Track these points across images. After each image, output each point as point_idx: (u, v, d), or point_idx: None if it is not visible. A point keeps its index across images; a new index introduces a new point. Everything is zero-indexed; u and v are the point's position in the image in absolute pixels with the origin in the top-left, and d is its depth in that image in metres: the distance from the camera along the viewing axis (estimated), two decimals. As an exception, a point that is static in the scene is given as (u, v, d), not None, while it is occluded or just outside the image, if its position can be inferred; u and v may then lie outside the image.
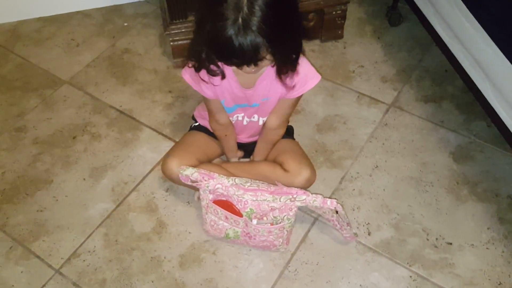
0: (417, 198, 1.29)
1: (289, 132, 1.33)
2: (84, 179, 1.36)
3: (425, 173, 1.35)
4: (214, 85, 1.09)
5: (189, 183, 1.13)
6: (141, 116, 1.50)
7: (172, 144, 1.42)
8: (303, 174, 1.19)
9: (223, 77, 1.06)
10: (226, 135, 1.24)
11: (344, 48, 1.67)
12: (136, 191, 1.34)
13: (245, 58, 0.91)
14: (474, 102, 1.48)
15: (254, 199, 1.09)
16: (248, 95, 1.14)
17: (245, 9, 0.86)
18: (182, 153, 1.24)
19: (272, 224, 1.11)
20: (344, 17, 1.63)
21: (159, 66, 1.63)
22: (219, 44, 0.90)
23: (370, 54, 1.65)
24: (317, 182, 1.28)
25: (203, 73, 1.05)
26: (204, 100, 1.19)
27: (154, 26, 1.76)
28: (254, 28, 0.87)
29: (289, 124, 1.35)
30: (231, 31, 0.87)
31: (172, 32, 1.51)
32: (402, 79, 1.57)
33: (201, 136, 1.31)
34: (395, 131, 1.44)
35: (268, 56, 0.93)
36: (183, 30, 1.51)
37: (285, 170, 1.21)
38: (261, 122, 1.23)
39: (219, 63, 1.02)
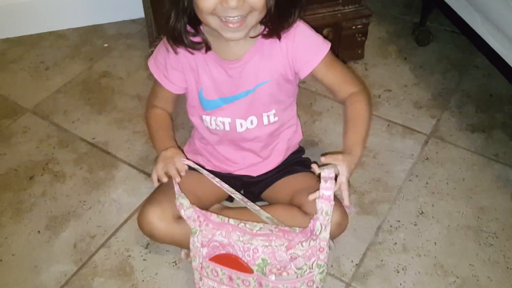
0: (479, 255, 0.97)
1: (305, 165, 1.02)
2: (38, 231, 1.04)
3: (485, 221, 1.03)
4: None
5: (183, 215, 0.85)
6: (118, 150, 1.20)
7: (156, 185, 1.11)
8: (333, 217, 0.87)
9: (207, 47, 0.82)
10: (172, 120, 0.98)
11: (366, 70, 1.40)
12: (105, 247, 1.01)
13: None
14: (533, 131, 1.21)
15: (267, 244, 0.81)
16: (233, 73, 0.86)
17: None
18: (166, 201, 0.91)
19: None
20: (365, 34, 1.37)
21: (143, 92, 1.34)
22: None
23: (397, 77, 1.37)
24: (346, 234, 0.96)
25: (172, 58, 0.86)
26: (155, 86, 0.95)
27: (139, 47, 1.49)
28: None
29: (305, 156, 1.06)
30: None
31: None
32: (440, 105, 1.28)
33: (192, 177, 0.96)
34: (440, 167, 1.14)
35: None
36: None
37: (305, 213, 0.89)
38: (268, 128, 0.93)
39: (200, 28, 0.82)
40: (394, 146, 1.19)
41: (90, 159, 1.18)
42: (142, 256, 0.99)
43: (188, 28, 0.82)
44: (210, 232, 0.83)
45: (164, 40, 0.87)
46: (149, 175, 1.14)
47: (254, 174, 1.00)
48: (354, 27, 1.34)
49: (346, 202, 0.81)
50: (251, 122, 0.92)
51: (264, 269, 0.81)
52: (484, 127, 1.23)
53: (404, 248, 0.99)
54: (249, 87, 0.87)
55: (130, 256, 0.99)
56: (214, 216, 0.85)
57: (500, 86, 1.32)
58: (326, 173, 0.77)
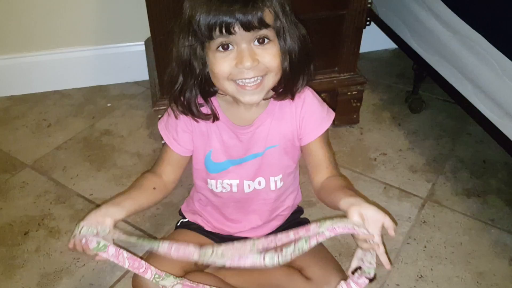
0: (481, 322, 0.96)
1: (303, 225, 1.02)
2: (29, 289, 1.01)
3: (485, 286, 1.02)
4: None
5: None
6: (115, 207, 1.19)
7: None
8: (332, 282, 0.86)
9: (215, 118, 0.82)
10: (154, 188, 0.86)
11: (361, 134, 1.43)
12: (98, 306, 0.98)
13: (248, 9, 0.69)
14: (527, 197, 1.22)
15: None
16: (244, 139, 0.85)
17: None
18: (163, 260, 0.87)
19: None
20: (360, 99, 1.43)
21: (144, 149, 1.36)
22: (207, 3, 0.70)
23: (392, 141, 1.41)
24: (345, 297, 0.94)
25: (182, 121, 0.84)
26: (162, 151, 0.91)
27: (141, 108, 1.53)
28: None
29: (303, 216, 1.05)
30: None
31: (162, 108, 1.27)
32: (435, 170, 1.31)
33: (190, 236, 0.96)
34: (437, 231, 1.14)
35: (273, 43, 0.74)
36: (175, 106, 1.27)
37: (306, 277, 0.88)
38: (273, 190, 0.91)
39: (210, 100, 0.81)
40: (391, 208, 1.19)
41: (86, 215, 1.17)
42: (135, 316, 0.96)
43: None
44: None
45: (169, 111, 0.87)
46: (145, 232, 1.13)
47: (255, 236, 0.99)
48: (349, 93, 1.39)
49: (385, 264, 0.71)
50: (259, 183, 0.90)
51: None
52: (479, 193, 1.25)
53: (404, 314, 0.97)
54: (258, 150, 0.87)
55: (122, 316, 0.96)
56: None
57: (493, 152, 1.35)
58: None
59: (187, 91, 0.79)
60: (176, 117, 0.85)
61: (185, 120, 0.86)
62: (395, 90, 1.62)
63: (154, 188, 0.86)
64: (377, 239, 0.69)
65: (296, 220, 1.03)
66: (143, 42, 1.56)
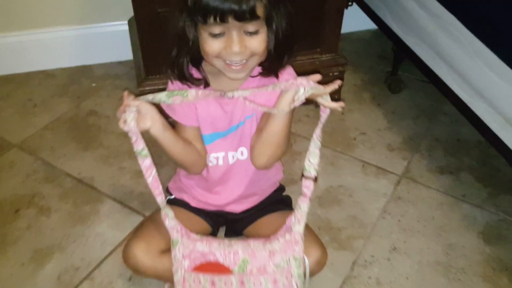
0: (449, 289, 1.03)
1: (287, 203, 1.07)
2: (22, 264, 1.05)
3: (454, 257, 1.09)
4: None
5: (167, 225, 0.87)
6: (103, 186, 1.23)
7: (141, 219, 1.14)
8: (313, 254, 0.91)
9: (206, 84, 0.87)
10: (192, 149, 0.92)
11: (342, 114, 1.48)
12: (89, 279, 1.02)
13: (243, 5, 0.74)
14: (496, 173, 1.29)
15: (246, 245, 0.86)
16: (228, 109, 0.91)
17: None
18: (151, 235, 0.94)
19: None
20: (341, 80, 1.46)
21: (130, 130, 1.39)
22: None
23: (371, 121, 1.46)
24: (324, 268, 1.00)
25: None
26: (179, 129, 0.94)
27: (126, 88, 1.55)
28: None
29: (285, 193, 1.11)
30: None
31: (147, 88, 1.30)
32: (411, 148, 1.37)
33: (177, 213, 0.96)
34: (411, 206, 1.20)
35: (262, 32, 0.79)
36: (160, 86, 1.30)
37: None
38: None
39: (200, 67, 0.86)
40: (368, 185, 1.25)
41: (75, 194, 1.21)
42: (125, 289, 1.01)
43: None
44: (191, 243, 0.86)
45: (169, 85, 0.92)
46: (133, 209, 1.18)
47: (238, 210, 1.04)
48: (331, 74, 1.43)
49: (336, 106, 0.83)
50: (242, 153, 0.96)
51: (245, 269, 0.85)
52: (452, 169, 1.31)
53: (377, 282, 1.04)
54: (239, 120, 0.92)
55: (113, 288, 1.01)
56: (194, 235, 0.88)
57: (467, 131, 1.41)
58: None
59: (180, 58, 0.85)
60: (172, 83, 0.90)
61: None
62: (376, 70, 1.67)
63: (189, 144, 0.91)
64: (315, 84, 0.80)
65: (278, 197, 1.08)
66: (127, 22, 1.57)
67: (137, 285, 1.02)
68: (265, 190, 1.05)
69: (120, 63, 1.66)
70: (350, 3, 1.66)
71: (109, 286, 1.02)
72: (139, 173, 1.25)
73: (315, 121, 0.86)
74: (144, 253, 0.92)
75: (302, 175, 0.86)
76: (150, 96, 0.78)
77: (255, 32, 0.79)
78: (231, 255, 0.85)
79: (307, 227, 1.01)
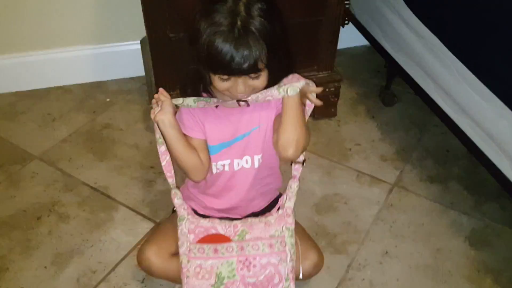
0: (435, 290, 1.12)
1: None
2: (45, 267, 1.15)
3: (441, 261, 1.18)
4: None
5: (176, 203, 1.01)
6: (117, 194, 1.33)
7: (152, 225, 1.25)
8: (310, 258, 1.02)
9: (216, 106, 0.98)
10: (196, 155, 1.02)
11: (338, 126, 1.58)
12: (105, 281, 1.13)
13: (246, 64, 0.84)
14: (483, 182, 1.38)
15: (245, 220, 1.01)
16: (233, 120, 1.00)
17: (243, 13, 0.84)
18: (162, 240, 1.06)
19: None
20: (337, 95, 1.57)
21: (141, 142, 1.50)
22: (217, 51, 0.84)
23: (366, 133, 1.56)
24: (320, 271, 1.10)
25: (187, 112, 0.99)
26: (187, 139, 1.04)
27: (138, 102, 1.66)
28: (254, 30, 0.83)
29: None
30: (230, 35, 0.83)
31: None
32: (403, 158, 1.46)
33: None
34: (403, 213, 1.30)
35: (263, 74, 0.89)
36: (169, 103, 1.40)
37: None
38: (256, 168, 1.05)
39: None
40: (362, 193, 1.35)
41: (92, 202, 1.31)
42: (138, 289, 1.11)
43: None
44: (196, 220, 0.99)
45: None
46: (144, 216, 1.28)
47: (242, 215, 1.13)
48: (327, 89, 1.53)
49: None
50: (246, 162, 1.05)
51: (244, 237, 0.98)
52: (442, 179, 1.40)
53: (370, 284, 1.13)
54: (245, 131, 1.01)
55: (127, 289, 1.11)
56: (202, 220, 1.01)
57: (456, 143, 1.48)
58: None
59: (194, 84, 0.96)
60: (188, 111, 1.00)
61: (187, 112, 1.00)
62: (370, 85, 1.76)
63: (194, 152, 1.00)
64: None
65: (278, 204, 1.18)
66: (139, 41, 1.69)
67: (150, 287, 1.12)
68: (264, 194, 1.14)
69: (132, 79, 1.77)
70: (346, 22, 1.76)
71: (124, 287, 1.12)
72: (150, 183, 1.36)
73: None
74: (156, 256, 1.02)
75: (292, 162, 1.01)
76: (180, 100, 0.96)
77: (257, 76, 0.89)
78: (231, 227, 0.99)
79: (305, 234, 1.11)
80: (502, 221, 1.28)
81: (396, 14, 1.42)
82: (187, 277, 0.97)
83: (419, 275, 1.15)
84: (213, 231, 0.98)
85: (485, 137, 1.16)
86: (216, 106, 0.98)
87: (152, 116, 0.95)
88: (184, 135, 0.99)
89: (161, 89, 0.96)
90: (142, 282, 1.13)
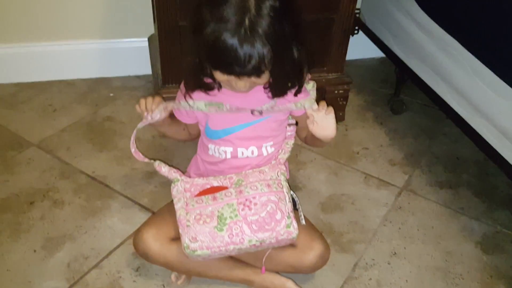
0: (447, 293, 1.06)
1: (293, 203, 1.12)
2: (34, 250, 1.09)
3: (452, 264, 1.13)
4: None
5: (163, 171, 1.00)
6: (115, 184, 1.28)
7: (149, 215, 1.19)
8: (316, 248, 0.96)
9: (220, 87, 0.96)
10: (183, 129, 1.11)
11: (346, 130, 1.55)
12: (98, 268, 1.06)
13: (249, 66, 0.80)
14: (494, 189, 1.34)
15: (239, 172, 0.99)
16: (244, 98, 0.96)
17: (253, 11, 0.78)
18: (162, 223, 1.00)
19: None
20: (346, 98, 1.54)
21: (144, 135, 1.46)
22: (220, 49, 0.79)
23: (374, 138, 1.52)
24: (326, 268, 1.04)
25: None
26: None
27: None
28: (261, 32, 0.78)
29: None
30: (235, 35, 0.78)
31: (163, 96, 1.37)
32: (412, 164, 1.42)
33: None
34: (411, 216, 1.25)
35: (266, 74, 0.86)
36: (174, 95, 1.37)
37: (292, 245, 0.98)
38: (267, 157, 1.03)
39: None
40: (370, 195, 1.30)
41: (88, 190, 1.26)
42: (132, 277, 1.04)
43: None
44: (190, 180, 0.98)
45: (181, 88, 1.01)
46: (143, 206, 1.22)
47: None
48: (336, 92, 1.51)
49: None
50: (252, 152, 1.02)
51: (241, 184, 0.95)
52: (451, 185, 1.36)
53: (378, 284, 1.07)
54: (248, 119, 0.98)
55: (120, 277, 1.05)
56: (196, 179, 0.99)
57: (466, 151, 1.47)
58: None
59: (196, 76, 0.95)
60: (183, 96, 0.99)
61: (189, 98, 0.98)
62: (379, 93, 1.74)
63: (184, 129, 1.10)
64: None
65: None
66: (146, 38, 1.67)
67: (144, 275, 1.05)
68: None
69: (138, 77, 1.75)
70: (356, 31, 1.75)
71: (117, 275, 1.05)
72: (150, 174, 1.31)
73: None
74: (154, 239, 0.97)
75: (288, 125, 1.04)
76: (190, 102, 0.96)
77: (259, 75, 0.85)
78: (227, 180, 0.97)
79: (311, 224, 1.06)
80: (515, 228, 1.23)
81: (409, 17, 1.41)
82: (188, 226, 0.91)
83: (429, 277, 1.09)
84: (208, 186, 0.96)
85: (500, 136, 1.12)
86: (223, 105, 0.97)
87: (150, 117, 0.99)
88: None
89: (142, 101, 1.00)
90: (137, 270, 1.06)
